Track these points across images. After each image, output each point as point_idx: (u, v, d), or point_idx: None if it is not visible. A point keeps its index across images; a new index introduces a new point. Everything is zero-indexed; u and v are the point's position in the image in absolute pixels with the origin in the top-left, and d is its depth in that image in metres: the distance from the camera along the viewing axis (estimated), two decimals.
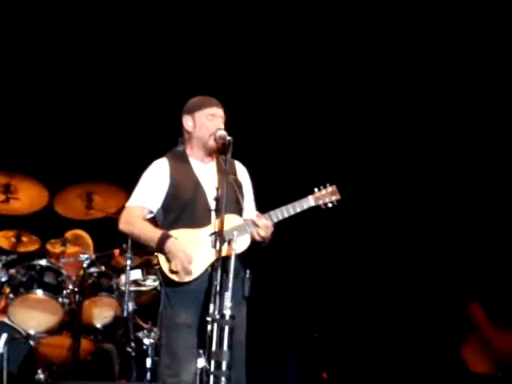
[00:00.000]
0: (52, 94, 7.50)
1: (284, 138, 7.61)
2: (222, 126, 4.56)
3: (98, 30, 7.31)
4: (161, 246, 4.38)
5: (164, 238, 4.38)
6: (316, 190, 4.55)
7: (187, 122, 4.62)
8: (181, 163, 4.59)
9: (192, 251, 4.36)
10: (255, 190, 4.75)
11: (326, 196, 4.54)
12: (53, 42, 7.33)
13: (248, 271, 4.42)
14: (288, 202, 4.50)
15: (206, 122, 4.56)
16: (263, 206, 4.62)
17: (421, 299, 7.21)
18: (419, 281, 7.24)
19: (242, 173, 4.71)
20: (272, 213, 4.46)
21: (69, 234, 6.74)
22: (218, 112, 4.60)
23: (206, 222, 4.45)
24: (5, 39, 7.22)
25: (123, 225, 4.53)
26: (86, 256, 6.43)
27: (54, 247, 6.66)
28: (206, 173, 4.58)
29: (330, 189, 4.56)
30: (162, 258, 4.42)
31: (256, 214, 4.50)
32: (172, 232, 4.42)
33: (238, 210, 4.50)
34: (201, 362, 4.16)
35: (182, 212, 4.47)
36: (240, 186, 4.58)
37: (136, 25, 7.34)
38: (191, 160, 4.61)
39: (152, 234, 4.44)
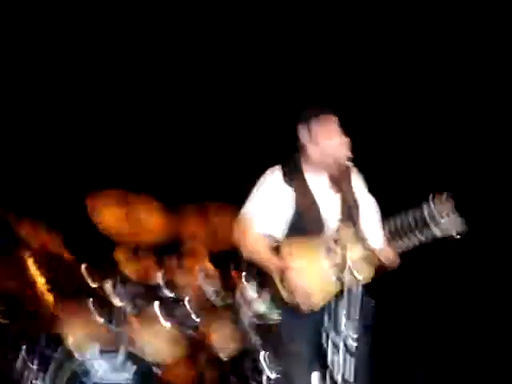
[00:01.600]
0: (169, 118, 7.64)
1: (401, 143, 7.43)
2: (338, 139, 4.45)
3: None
4: (278, 274, 4.35)
5: (282, 267, 4.34)
6: (443, 219, 4.33)
7: (303, 133, 4.54)
8: (296, 175, 4.53)
9: (311, 283, 4.28)
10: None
11: (452, 225, 4.30)
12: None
13: (371, 300, 4.34)
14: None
15: (323, 136, 4.47)
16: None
17: None
18: None
19: (357, 181, 4.61)
20: (396, 243, 4.30)
21: (193, 264, 6.80)
22: (334, 124, 4.50)
23: (323, 236, 4.38)
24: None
25: (242, 246, 4.54)
26: (210, 287, 6.46)
27: (179, 278, 6.72)
28: (321, 186, 4.50)
29: (457, 217, 4.35)
30: (280, 286, 4.37)
31: (383, 242, 4.36)
32: (287, 243, 4.36)
33: (354, 224, 4.38)
34: None
35: (296, 227, 4.42)
36: (356, 199, 4.49)
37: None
38: (306, 174, 4.54)
39: (269, 260, 4.41)
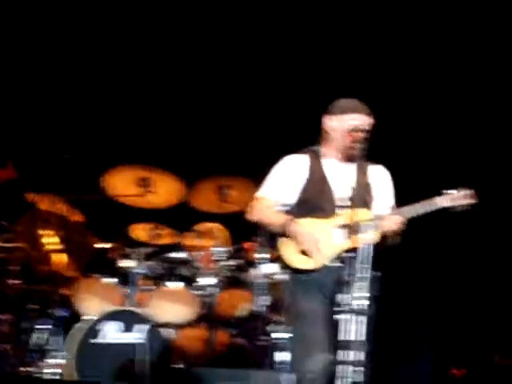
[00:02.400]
0: (186, 89, 7.62)
1: (425, 138, 7.44)
2: (362, 135, 4.48)
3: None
4: (286, 229, 4.38)
5: (290, 222, 4.40)
6: (451, 191, 4.43)
7: (329, 121, 4.58)
8: (316, 161, 4.59)
9: (319, 236, 4.34)
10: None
11: (460, 198, 4.40)
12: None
13: (377, 271, 4.39)
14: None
15: (347, 127, 4.50)
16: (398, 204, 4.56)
17: None
18: None
19: (378, 175, 4.64)
20: (404, 209, 4.38)
21: (203, 227, 6.85)
22: (365, 120, 4.51)
23: (334, 216, 4.43)
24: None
25: (251, 213, 4.59)
26: (220, 249, 6.52)
27: (189, 240, 6.79)
28: (338, 173, 4.55)
29: (466, 192, 4.43)
30: (284, 245, 4.43)
31: (390, 209, 4.44)
32: (300, 220, 4.42)
33: (365, 207, 4.43)
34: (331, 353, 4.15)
35: (311, 206, 4.46)
36: (370, 189, 4.53)
37: None
38: (325, 159, 4.60)
39: (278, 219, 4.46)
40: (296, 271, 4.41)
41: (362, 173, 4.48)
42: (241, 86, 7.55)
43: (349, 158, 4.54)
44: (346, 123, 4.51)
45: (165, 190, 6.77)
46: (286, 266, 4.47)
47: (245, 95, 7.57)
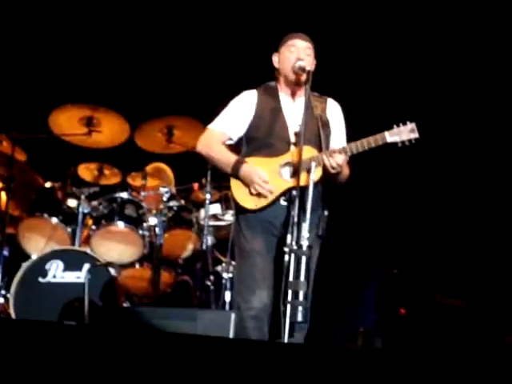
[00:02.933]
0: (133, 28, 7.49)
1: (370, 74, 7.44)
2: (303, 57, 4.48)
3: None
4: (235, 171, 4.40)
5: (239, 163, 4.41)
6: (394, 126, 4.43)
7: (275, 58, 4.62)
8: (270, 97, 4.58)
9: (266, 177, 4.36)
10: None
11: (403, 133, 4.41)
12: None
13: (325, 211, 4.41)
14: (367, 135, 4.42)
15: (287, 54, 4.53)
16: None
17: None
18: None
19: (333, 110, 4.64)
20: (347, 146, 4.39)
21: (149, 168, 6.81)
22: (300, 43, 4.54)
23: (284, 153, 4.43)
24: None
25: (201, 146, 4.58)
26: (166, 189, 6.50)
27: (135, 180, 6.75)
28: (293, 109, 4.55)
29: (408, 126, 4.43)
30: (234, 185, 4.44)
31: (330, 148, 4.44)
32: (247, 159, 4.44)
33: (318, 146, 4.42)
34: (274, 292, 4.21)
35: (262, 143, 4.47)
36: (325, 124, 4.52)
37: None
38: (281, 95, 4.59)
39: (228, 158, 4.47)
40: (244, 211, 4.43)
41: (312, 107, 4.47)
42: (190, 25, 7.45)
43: (298, 85, 4.52)
44: (286, 49, 4.54)
45: (110, 130, 6.69)
46: (236, 205, 4.49)
47: (194, 34, 7.47)
